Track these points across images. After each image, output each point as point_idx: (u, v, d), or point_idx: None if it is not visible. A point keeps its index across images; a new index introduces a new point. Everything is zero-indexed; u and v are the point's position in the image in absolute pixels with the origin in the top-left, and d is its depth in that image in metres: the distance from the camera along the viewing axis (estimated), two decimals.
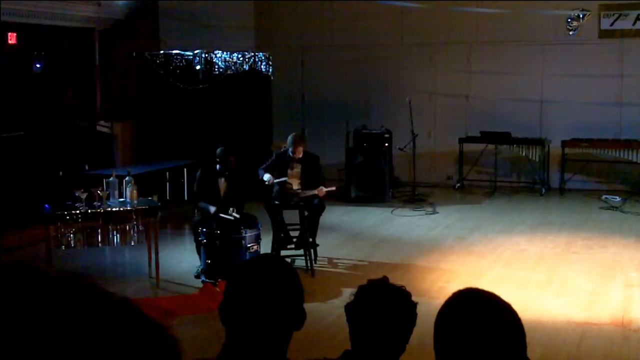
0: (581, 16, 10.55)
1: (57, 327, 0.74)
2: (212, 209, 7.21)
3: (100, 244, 7.04)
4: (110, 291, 0.83)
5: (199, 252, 7.25)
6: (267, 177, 7.76)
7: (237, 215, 7.17)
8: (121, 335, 0.77)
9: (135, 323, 0.80)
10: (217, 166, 7.43)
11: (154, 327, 0.82)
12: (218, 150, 7.49)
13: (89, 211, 6.79)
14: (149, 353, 0.79)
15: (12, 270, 0.80)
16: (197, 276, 7.19)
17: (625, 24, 11.54)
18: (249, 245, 6.98)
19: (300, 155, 7.81)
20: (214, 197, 7.35)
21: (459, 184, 12.22)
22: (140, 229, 7.03)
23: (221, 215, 7.15)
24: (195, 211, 7.51)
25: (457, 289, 1.74)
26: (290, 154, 7.81)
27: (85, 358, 0.74)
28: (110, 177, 7.29)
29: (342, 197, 10.85)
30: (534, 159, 11.70)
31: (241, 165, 7.80)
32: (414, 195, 11.25)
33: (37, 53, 11.47)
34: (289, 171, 7.89)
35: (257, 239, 7.11)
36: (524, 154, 11.75)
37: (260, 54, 11.81)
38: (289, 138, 7.92)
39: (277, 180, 7.74)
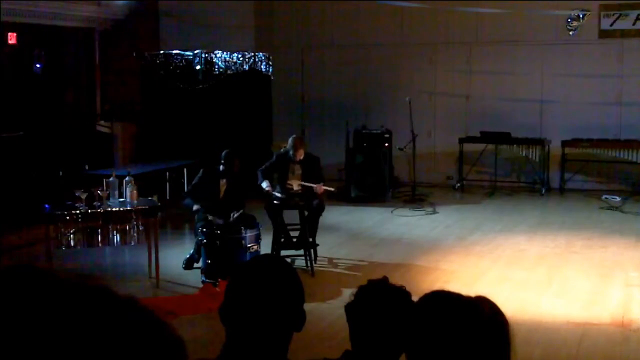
0: (581, 16, 10.54)
1: (66, 327, 0.75)
2: (196, 207, 7.26)
3: (100, 244, 7.02)
4: (117, 291, 0.83)
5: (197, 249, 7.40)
6: (265, 184, 7.77)
7: (221, 221, 7.11)
8: (129, 335, 0.78)
9: (143, 323, 0.80)
10: (220, 167, 7.45)
11: (161, 326, 0.82)
12: (223, 152, 7.52)
13: (89, 211, 6.78)
14: (157, 352, 0.79)
15: (20, 272, 0.81)
16: (187, 266, 7.42)
17: (625, 24, 11.54)
18: (249, 245, 6.99)
19: (301, 157, 7.82)
20: (212, 198, 7.36)
21: (459, 184, 12.21)
22: (140, 229, 7.02)
23: (208, 216, 7.16)
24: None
25: (456, 290, 1.73)
26: (291, 156, 7.82)
27: (95, 357, 0.74)
28: (110, 177, 7.27)
29: (342, 197, 10.85)
30: (534, 159, 11.70)
31: (243, 166, 7.79)
32: (414, 195, 11.24)
33: (37, 53, 11.48)
34: (289, 173, 7.90)
35: (257, 239, 7.12)
36: (524, 154, 11.75)
37: (260, 54, 11.80)
38: (289, 141, 7.91)
39: (276, 192, 7.74)
